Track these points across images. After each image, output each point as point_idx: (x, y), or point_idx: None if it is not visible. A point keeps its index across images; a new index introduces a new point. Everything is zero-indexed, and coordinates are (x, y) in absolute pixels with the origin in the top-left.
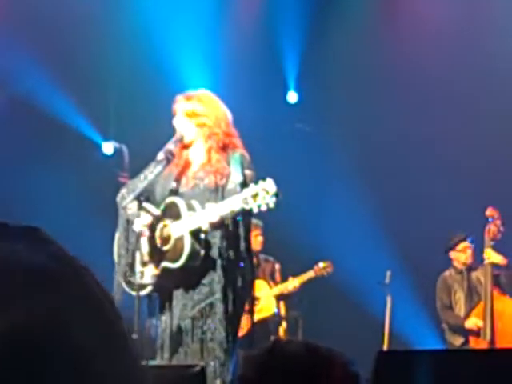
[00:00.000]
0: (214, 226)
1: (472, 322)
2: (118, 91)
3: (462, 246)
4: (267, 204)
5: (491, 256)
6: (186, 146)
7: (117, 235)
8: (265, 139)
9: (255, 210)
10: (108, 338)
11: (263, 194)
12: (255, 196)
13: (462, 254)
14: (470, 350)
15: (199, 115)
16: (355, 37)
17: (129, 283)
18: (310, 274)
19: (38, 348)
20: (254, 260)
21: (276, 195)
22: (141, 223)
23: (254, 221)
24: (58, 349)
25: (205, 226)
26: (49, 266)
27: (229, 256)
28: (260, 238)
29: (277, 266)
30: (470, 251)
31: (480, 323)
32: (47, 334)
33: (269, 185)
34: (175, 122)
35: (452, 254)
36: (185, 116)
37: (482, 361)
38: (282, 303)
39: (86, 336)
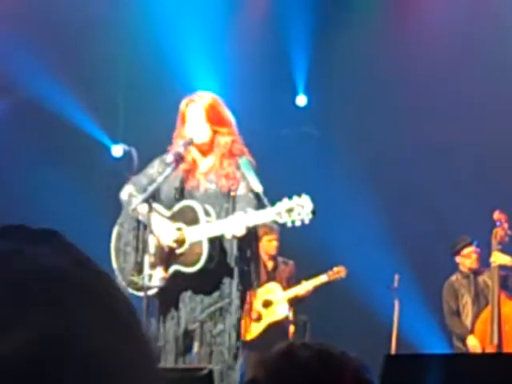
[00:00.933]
0: (241, 237)
1: (472, 344)
2: (127, 94)
3: (467, 250)
4: (302, 220)
5: (498, 258)
6: (191, 149)
7: (115, 232)
8: (273, 142)
9: (289, 225)
10: (126, 341)
11: (299, 210)
12: (290, 211)
13: (467, 259)
14: (478, 354)
15: (218, 119)
16: (364, 40)
17: (131, 283)
18: (324, 278)
19: (58, 352)
20: (270, 264)
21: (313, 212)
22: (171, 239)
23: (269, 224)
24: (77, 352)
25: (229, 235)
26: (73, 269)
27: (242, 261)
28: (275, 243)
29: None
30: (475, 256)
31: (479, 347)
32: (69, 337)
33: (305, 201)
34: (191, 122)
35: (458, 259)
36: (205, 117)
37: (489, 365)
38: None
39: (104, 339)
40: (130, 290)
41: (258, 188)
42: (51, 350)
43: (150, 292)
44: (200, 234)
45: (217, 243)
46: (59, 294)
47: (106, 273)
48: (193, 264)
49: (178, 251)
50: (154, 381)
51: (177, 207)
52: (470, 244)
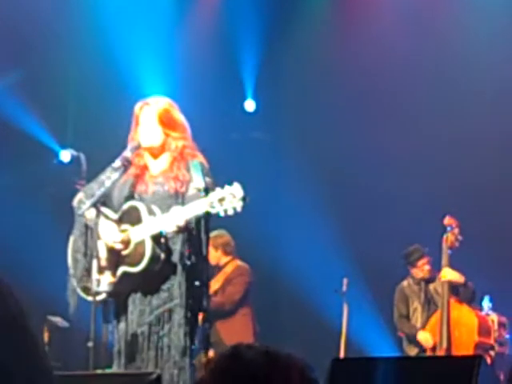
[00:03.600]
0: (179, 231)
1: (423, 337)
2: (77, 98)
3: (420, 262)
4: (234, 208)
5: (447, 275)
6: (143, 152)
7: (71, 239)
8: (222, 147)
9: (222, 214)
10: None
11: (230, 198)
12: (222, 200)
13: (420, 271)
14: (426, 357)
15: (171, 123)
16: (314, 44)
17: (85, 289)
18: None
19: None
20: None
21: (243, 199)
22: (109, 237)
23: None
24: None
25: (169, 230)
26: None
27: (191, 261)
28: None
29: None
30: (427, 267)
31: (430, 340)
32: None
33: (236, 189)
34: (144, 126)
35: (410, 269)
36: (158, 121)
37: (437, 367)
38: None
39: None
40: (84, 296)
41: (200, 185)
42: None
43: (100, 297)
44: (143, 233)
45: (162, 243)
46: None
47: None
48: (137, 263)
49: (124, 252)
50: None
51: (123, 209)
52: (422, 256)
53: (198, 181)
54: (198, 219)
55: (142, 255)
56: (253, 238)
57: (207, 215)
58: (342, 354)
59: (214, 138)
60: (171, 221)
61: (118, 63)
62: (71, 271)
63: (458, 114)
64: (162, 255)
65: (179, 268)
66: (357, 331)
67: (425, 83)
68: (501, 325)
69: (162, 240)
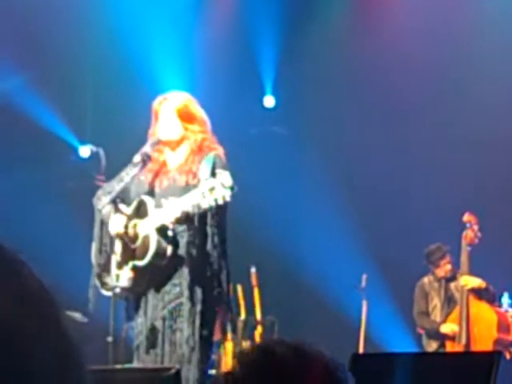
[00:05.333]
0: (178, 221)
1: (448, 327)
2: (95, 94)
3: (442, 262)
4: (223, 197)
5: (469, 282)
6: (163, 147)
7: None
8: (241, 143)
9: (212, 204)
10: (42, 324)
11: (220, 188)
12: (212, 190)
13: (441, 270)
14: (445, 353)
15: (190, 117)
16: (332, 41)
17: (104, 285)
18: None
19: None
20: None
21: (231, 188)
22: (114, 228)
23: None
24: None
25: (168, 222)
26: None
27: (197, 254)
28: None
29: (252, 270)
30: (449, 267)
31: (456, 328)
32: None
33: (225, 178)
34: (163, 120)
35: (432, 267)
36: (177, 115)
37: (456, 363)
38: (257, 307)
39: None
40: (104, 292)
41: (204, 176)
42: None
43: (120, 293)
44: (148, 227)
45: (168, 235)
46: None
47: (21, 262)
48: (143, 257)
49: (133, 246)
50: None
51: (134, 204)
52: (444, 255)
53: (203, 172)
54: (203, 213)
55: (147, 249)
56: (273, 234)
57: (218, 208)
58: (360, 350)
59: (234, 134)
60: (169, 212)
61: (136, 58)
62: (93, 267)
63: (476, 112)
64: (169, 249)
65: (185, 260)
66: (376, 327)
67: (443, 82)
68: None
69: (169, 233)
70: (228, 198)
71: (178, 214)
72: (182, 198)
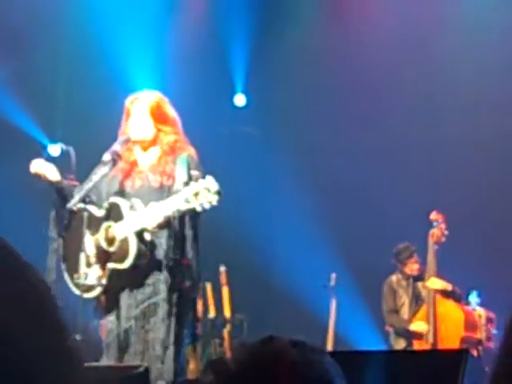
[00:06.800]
0: (160, 226)
1: (417, 326)
2: (66, 93)
3: (409, 261)
4: (210, 202)
5: (434, 284)
6: (133, 146)
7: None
8: (212, 142)
9: (198, 209)
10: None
11: (205, 193)
12: (196, 194)
13: (408, 269)
14: (414, 351)
15: (162, 117)
16: (304, 41)
17: (76, 285)
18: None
19: None
20: None
21: (218, 193)
22: (96, 237)
23: None
24: None
25: (150, 226)
26: None
27: (175, 257)
28: None
29: (222, 269)
30: (416, 266)
31: (425, 327)
32: None
33: (210, 183)
34: (135, 120)
35: (400, 266)
36: (149, 115)
37: (425, 361)
38: (227, 306)
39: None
40: (76, 291)
41: (182, 178)
42: None
43: (94, 293)
44: (126, 230)
45: (146, 239)
46: None
47: (26, 264)
48: (123, 260)
49: (111, 249)
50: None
51: (106, 206)
52: (412, 254)
53: (180, 174)
54: (181, 215)
55: (127, 252)
56: (243, 233)
57: (193, 211)
58: (329, 348)
59: (205, 133)
60: (151, 217)
61: (108, 57)
62: (63, 265)
63: (442, 114)
64: (147, 251)
65: (164, 263)
66: (345, 325)
67: (414, 84)
68: (488, 320)
69: (146, 236)
70: (215, 203)
71: (161, 220)
72: (163, 203)
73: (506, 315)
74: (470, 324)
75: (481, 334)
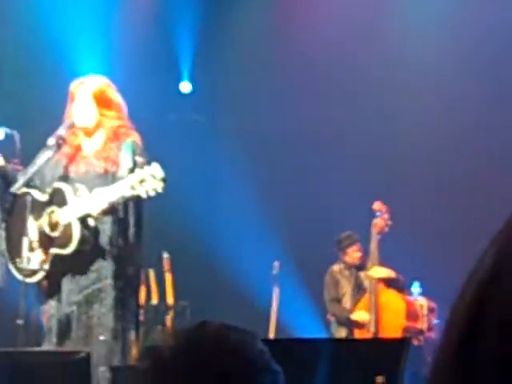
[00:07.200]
0: (104, 212)
1: (359, 315)
2: (10, 76)
3: (351, 249)
4: (155, 189)
5: (376, 272)
6: (78, 131)
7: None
8: (158, 129)
9: (144, 196)
10: None
11: (150, 180)
12: (142, 181)
13: (350, 257)
14: (356, 339)
15: (106, 103)
16: (251, 28)
17: (19, 269)
18: None
19: None
20: None
21: (163, 180)
22: (40, 222)
23: None
24: None
25: (94, 212)
26: None
27: (119, 243)
28: None
29: (165, 255)
30: (358, 254)
31: (366, 316)
32: None
33: (155, 170)
34: (79, 104)
35: (341, 255)
36: (93, 100)
37: (366, 349)
38: (169, 292)
39: None
40: (19, 276)
41: (127, 165)
42: None
43: (36, 277)
44: (69, 215)
45: (90, 225)
46: None
47: None
48: (66, 246)
49: (54, 235)
50: None
51: (49, 191)
52: (354, 242)
53: (125, 160)
54: (125, 202)
55: (71, 238)
56: (188, 220)
57: (138, 198)
58: (271, 336)
59: (151, 119)
60: (95, 203)
61: (53, 41)
62: (5, 249)
63: (385, 105)
64: (91, 237)
65: (108, 249)
66: (287, 314)
67: (364, 74)
68: (430, 310)
69: (90, 222)
70: (160, 190)
71: (105, 206)
72: (108, 189)
73: (447, 305)
74: (412, 314)
75: (422, 324)
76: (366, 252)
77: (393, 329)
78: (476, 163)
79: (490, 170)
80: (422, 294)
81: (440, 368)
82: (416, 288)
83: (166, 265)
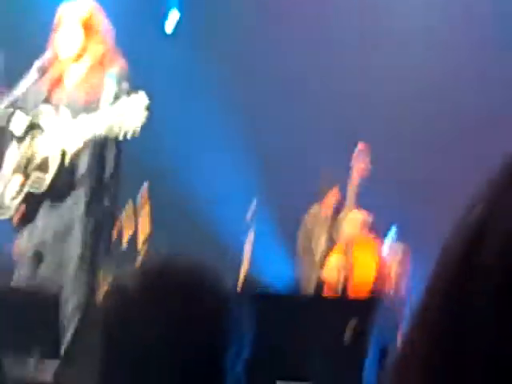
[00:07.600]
0: (85, 144)
1: (328, 273)
2: None
3: (329, 193)
4: (138, 118)
5: (355, 215)
6: (62, 58)
7: None
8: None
9: (124, 129)
10: None
11: (134, 109)
12: (123, 114)
13: (327, 201)
14: (324, 297)
15: (93, 28)
16: None
17: None
18: None
19: None
20: None
21: (147, 108)
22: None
23: None
24: None
25: (76, 144)
26: None
27: (95, 176)
28: None
29: (144, 185)
30: (335, 198)
31: (335, 275)
32: None
33: (140, 98)
34: (65, 29)
35: (319, 199)
36: (80, 25)
37: (335, 308)
38: (146, 222)
39: None
40: None
41: (110, 94)
42: None
43: (10, 213)
44: (49, 145)
45: (68, 157)
46: None
47: None
48: (45, 171)
49: (34, 161)
50: None
51: (30, 117)
52: (331, 187)
53: (109, 91)
54: (104, 135)
55: (47, 169)
56: (165, 159)
57: (117, 131)
58: (240, 283)
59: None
60: (74, 136)
61: None
62: None
63: (372, 42)
64: (67, 170)
65: (84, 182)
66: (260, 259)
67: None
68: (401, 264)
69: (69, 153)
70: (143, 119)
71: (88, 136)
72: (89, 119)
73: (421, 250)
74: (381, 275)
75: (391, 284)
76: (343, 196)
77: (362, 287)
78: (464, 106)
79: (477, 113)
80: (398, 238)
81: (431, 310)
82: (392, 234)
83: (144, 195)
